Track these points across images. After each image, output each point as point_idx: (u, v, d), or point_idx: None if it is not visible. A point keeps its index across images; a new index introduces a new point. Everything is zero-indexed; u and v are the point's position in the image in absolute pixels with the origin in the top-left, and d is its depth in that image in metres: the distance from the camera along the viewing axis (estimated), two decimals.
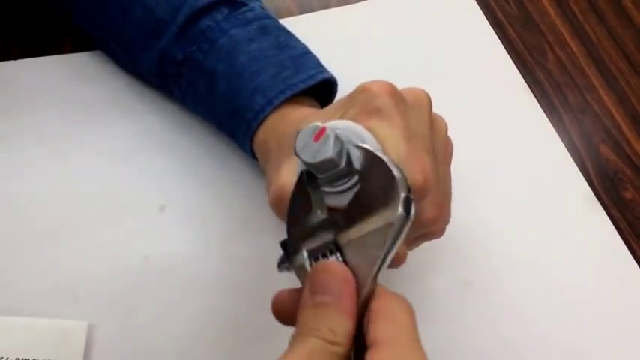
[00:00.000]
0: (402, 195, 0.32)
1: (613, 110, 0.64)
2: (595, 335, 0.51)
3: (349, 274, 0.32)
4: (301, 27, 0.56)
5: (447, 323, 0.50)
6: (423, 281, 0.52)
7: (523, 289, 0.52)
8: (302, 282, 0.34)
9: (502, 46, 0.67)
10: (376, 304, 0.32)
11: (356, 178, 0.34)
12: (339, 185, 0.35)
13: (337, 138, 0.33)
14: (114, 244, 0.51)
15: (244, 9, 0.53)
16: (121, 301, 0.48)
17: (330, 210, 0.35)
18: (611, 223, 0.56)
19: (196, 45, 0.52)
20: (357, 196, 0.34)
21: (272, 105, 0.48)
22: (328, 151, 0.32)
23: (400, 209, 0.32)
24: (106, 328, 0.47)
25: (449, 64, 0.64)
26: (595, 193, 0.58)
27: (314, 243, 0.35)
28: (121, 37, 0.56)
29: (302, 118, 0.46)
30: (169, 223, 0.52)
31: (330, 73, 0.52)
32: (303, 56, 0.52)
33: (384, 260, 0.32)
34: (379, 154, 0.34)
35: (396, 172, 0.32)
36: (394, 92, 0.39)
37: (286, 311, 0.34)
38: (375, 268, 0.32)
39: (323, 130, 0.33)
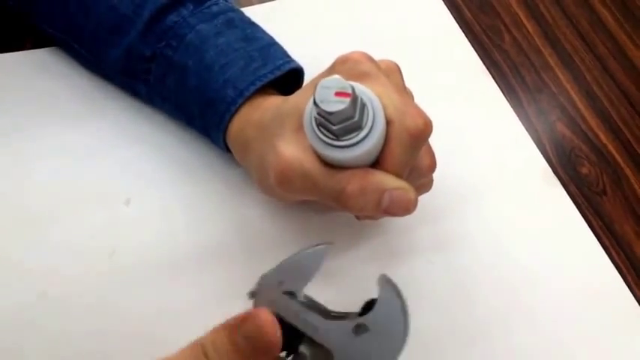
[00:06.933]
0: None
1: (569, 88, 0.66)
2: (554, 309, 0.52)
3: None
4: (261, 16, 0.56)
5: (410, 302, 0.50)
6: (386, 263, 0.53)
7: (482, 265, 0.53)
8: None
9: (459, 28, 0.68)
10: None
11: (365, 132, 0.39)
12: (350, 138, 0.39)
13: (354, 91, 0.38)
14: (79, 239, 0.50)
15: (209, 3, 0.53)
16: (89, 298, 0.48)
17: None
18: (569, 198, 0.58)
19: (165, 41, 0.52)
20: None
21: (243, 97, 0.49)
22: (345, 102, 0.37)
23: None
24: (75, 325, 0.47)
25: (408, 49, 0.64)
26: (553, 170, 0.60)
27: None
28: (83, 36, 0.55)
29: (278, 102, 0.47)
30: (135, 216, 0.52)
31: (297, 63, 0.53)
32: (271, 47, 0.53)
33: None
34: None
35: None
36: (372, 59, 0.44)
37: None
38: None
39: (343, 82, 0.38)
